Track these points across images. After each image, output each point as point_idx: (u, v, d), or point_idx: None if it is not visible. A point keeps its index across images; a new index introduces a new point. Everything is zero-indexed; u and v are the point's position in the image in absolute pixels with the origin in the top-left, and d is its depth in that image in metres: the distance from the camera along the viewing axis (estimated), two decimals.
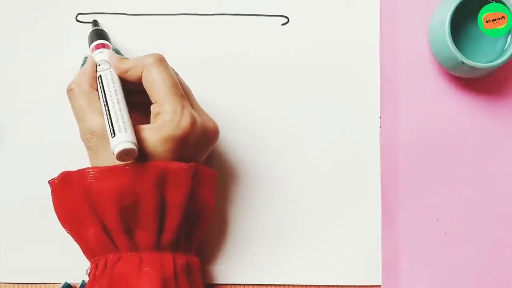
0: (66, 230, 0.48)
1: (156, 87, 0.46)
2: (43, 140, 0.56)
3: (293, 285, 0.55)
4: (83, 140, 0.48)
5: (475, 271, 0.56)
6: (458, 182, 0.56)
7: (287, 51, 0.57)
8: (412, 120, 0.57)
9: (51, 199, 0.48)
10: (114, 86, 0.48)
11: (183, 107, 0.46)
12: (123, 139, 0.43)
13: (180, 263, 0.46)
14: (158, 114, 0.46)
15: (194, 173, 0.46)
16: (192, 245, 0.49)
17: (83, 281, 0.54)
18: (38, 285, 0.55)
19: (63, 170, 0.48)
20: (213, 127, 0.49)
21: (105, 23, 0.57)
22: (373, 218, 0.55)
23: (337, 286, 0.55)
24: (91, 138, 0.46)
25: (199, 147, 0.48)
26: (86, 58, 0.51)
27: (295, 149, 0.56)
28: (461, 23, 0.55)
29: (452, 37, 0.53)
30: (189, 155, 0.47)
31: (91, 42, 0.53)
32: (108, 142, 0.45)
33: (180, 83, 0.48)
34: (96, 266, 0.46)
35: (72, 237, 0.48)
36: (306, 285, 0.55)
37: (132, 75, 0.48)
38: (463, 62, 0.52)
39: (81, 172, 0.46)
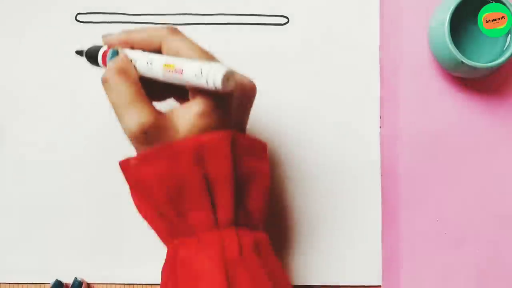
0: (142, 217, 0.46)
1: (182, 56, 0.43)
2: (43, 140, 0.56)
3: (293, 285, 0.55)
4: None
5: (475, 271, 0.56)
6: (458, 182, 0.56)
7: (287, 51, 0.57)
8: (412, 120, 0.57)
9: None
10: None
11: None
12: (216, 65, 0.40)
13: (246, 240, 0.43)
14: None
15: (234, 141, 0.43)
16: (256, 221, 0.46)
17: (75, 278, 0.54)
18: (38, 285, 0.55)
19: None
20: (249, 83, 0.46)
21: (105, 23, 0.57)
22: (373, 218, 0.55)
23: (337, 286, 0.55)
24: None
25: (239, 108, 0.45)
26: (115, 51, 0.46)
27: (295, 149, 0.56)
28: (461, 23, 0.55)
29: (452, 37, 0.53)
30: (233, 123, 0.44)
31: (97, 51, 0.48)
32: (163, 134, 0.42)
33: (204, 49, 0.46)
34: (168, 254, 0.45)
35: (148, 224, 0.46)
36: (306, 285, 0.55)
37: (149, 47, 0.45)
38: (463, 62, 0.52)
39: (125, 163, 0.44)
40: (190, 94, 0.44)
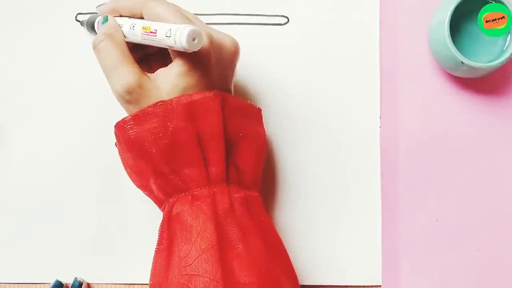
0: (138, 188, 0.49)
1: (160, 21, 0.46)
2: (43, 140, 0.56)
3: None
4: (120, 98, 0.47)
5: (475, 271, 0.56)
6: (458, 182, 0.56)
7: (287, 51, 0.57)
8: (412, 120, 0.57)
9: None
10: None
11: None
12: (183, 25, 0.42)
13: (237, 196, 0.46)
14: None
15: (223, 101, 0.46)
16: (248, 181, 0.48)
17: (75, 278, 0.54)
18: (38, 285, 0.55)
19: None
20: (230, 42, 0.48)
21: None
22: (373, 218, 0.55)
23: (337, 286, 0.55)
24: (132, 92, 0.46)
25: (220, 68, 0.47)
26: (106, 18, 0.49)
27: (295, 149, 0.56)
28: (461, 23, 0.55)
29: (452, 37, 0.53)
30: (215, 82, 0.46)
31: (92, 23, 0.53)
32: (148, 94, 0.45)
33: (183, 11, 0.48)
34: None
35: (144, 193, 0.49)
36: (306, 285, 0.55)
37: (134, 13, 0.48)
38: (462, 62, 0.52)
39: (120, 125, 0.46)
40: (171, 56, 0.46)
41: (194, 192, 0.45)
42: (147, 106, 0.45)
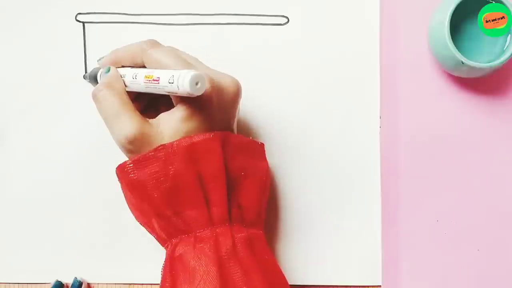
0: (140, 225, 0.49)
1: (162, 67, 0.46)
2: (43, 140, 0.56)
3: (293, 285, 0.55)
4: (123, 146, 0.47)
5: (475, 271, 0.56)
6: (458, 182, 0.56)
7: (287, 51, 0.57)
8: (412, 120, 0.57)
9: None
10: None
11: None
12: (185, 71, 0.42)
13: (240, 236, 0.46)
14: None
15: (225, 141, 0.46)
16: (251, 218, 0.48)
17: (75, 278, 0.54)
18: (38, 285, 0.55)
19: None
20: (230, 85, 0.47)
21: (105, 23, 0.57)
22: (373, 218, 0.55)
23: (337, 286, 0.55)
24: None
25: (221, 110, 0.47)
26: (108, 69, 0.50)
27: (294, 149, 0.56)
28: (461, 23, 0.55)
29: (452, 37, 0.53)
30: (217, 124, 0.46)
31: (95, 75, 0.53)
32: (150, 141, 0.45)
33: (183, 55, 0.48)
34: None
35: (147, 230, 0.49)
36: (306, 285, 0.55)
37: (135, 62, 0.48)
38: (462, 62, 0.52)
39: (121, 167, 0.46)
40: (173, 101, 0.46)
41: (197, 234, 0.45)
42: (148, 151, 0.45)
